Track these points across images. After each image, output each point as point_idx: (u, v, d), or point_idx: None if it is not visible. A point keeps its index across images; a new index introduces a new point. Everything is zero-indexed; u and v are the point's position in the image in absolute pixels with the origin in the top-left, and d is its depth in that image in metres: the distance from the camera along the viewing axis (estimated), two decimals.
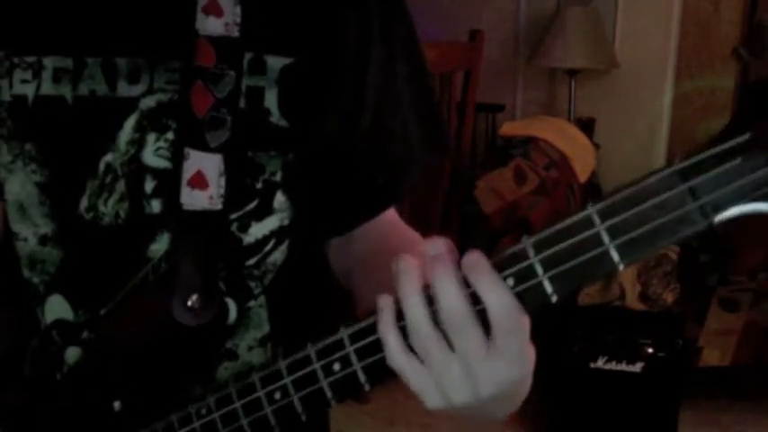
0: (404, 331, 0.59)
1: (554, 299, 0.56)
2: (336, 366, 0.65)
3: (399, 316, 0.60)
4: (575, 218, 0.55)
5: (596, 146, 3.57)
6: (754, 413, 2.65)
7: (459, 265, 0.57)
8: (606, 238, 0.54)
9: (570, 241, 0.55)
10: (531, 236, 0.56)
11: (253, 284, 0.86)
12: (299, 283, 0.91)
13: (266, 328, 0.88)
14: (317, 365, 0.66)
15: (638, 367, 2.39)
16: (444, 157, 1.00)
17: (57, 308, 0.85)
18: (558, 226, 0.55)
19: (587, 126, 3.69)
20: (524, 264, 0.56)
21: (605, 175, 3.60)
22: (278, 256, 0.86)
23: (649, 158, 3.74)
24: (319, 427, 0.94)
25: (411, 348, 0.59)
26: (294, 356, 0.68)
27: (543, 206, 3.01)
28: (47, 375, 0.87)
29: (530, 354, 0.59)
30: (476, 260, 0.57)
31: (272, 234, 0.85)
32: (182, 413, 0.76)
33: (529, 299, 0.57)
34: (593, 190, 3.40)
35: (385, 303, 0.60)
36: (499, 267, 0.57)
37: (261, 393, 0.70)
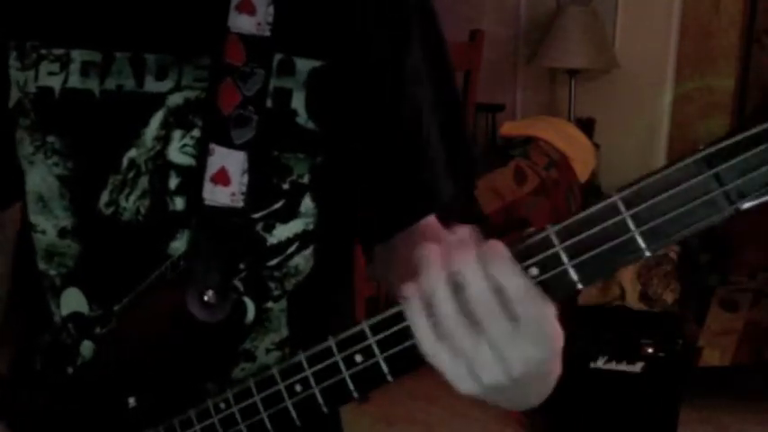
0: (431, 319, 0.60)
1: (580, 286, 0.57)
2: (358, 358, 0.65)
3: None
4: (599, 206, 0.55)
5: (596, 146, 3.57)
6: (754, 413, 2.65)
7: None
8: (632, 225, 0.54)
9: (595, 229, 0.55)
10: (555, 224, 0.57)
11: (272, 285, 0.86)
12: (322, 291, 0.90)
13: (285, 332, 0.88)
14: (338, 357, 0.66)
15: (638, 367, 2.39)
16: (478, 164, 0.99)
17: (73, 301, 0.85)
18: (583, 214, 0.56)
19: (587, 126, 3.69)
20: (549, 252, 0.57)
21: (605, 175, 3.60)
22: (300, 260, 0.86)
23: (649, 158, 3.73)
24: (332, 427, 0.93)
25: (439, 335, 0.60)
26: (314, 348, 0.68)
27: (543, 206, 3.02)
28: (58, 370, 0.87)
29: (556, 333, 0.59)
30: (492, 247, 0.58)
31: (296, 237, 0.85)
32: (200, 408, 0.76)
33: (555, 287, 0.57)
34: (593, 190, 3.40)
35: (411, 291, 0.60)
36: (523, 256, 0.57)
37: (281, 386, 0.70)
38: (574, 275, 0.57)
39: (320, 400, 0.68)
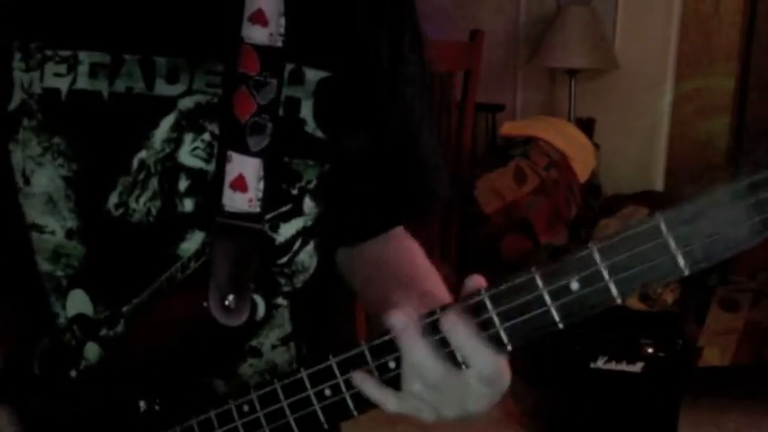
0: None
1: (619, 300, 0.60)
2: (392, 365, 0.68)
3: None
4: (642, 226, 0.57)
5: (596, 146, 3.57)
6: (754, 413, 2.65)
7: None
8: (673, 245, 0.56)
9: (637, 249, 0.58)
10: (598, 241, 0.59)
11: (282, 282, 0.88)
12: (323, 287, 0.93)
13: (289, 328, 0.90)
14: (372, 365, 0.69)
15: (638, 367, 2.39)
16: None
17: (78, 303, 0.85)
18: (625, 233, 0.58)
19: (587, 126, 3.69)
20: (591, 269, 0.60)
21: (605, 175, 3.60)
22: (305, 257, 0.89)
23: (649, 158, 3.74)
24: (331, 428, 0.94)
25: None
26: (345, 354, 0.70)
27: (543, 206, 3.01)
28: (60, 373, 0.87)
29: (506, 376, 0.68)
30: (453, 324, 0.64)
31: (298, 234, 0.87)
32: (221, 410, 0.77)
33: (595, 300, 0.61)
34: (593, 190, 3.40)
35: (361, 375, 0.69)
36: (566, 271, 0.60)
37: (310, 392, 0.72)
38: (614, 290, 0.59)
39: (351, 404, 0.71)
